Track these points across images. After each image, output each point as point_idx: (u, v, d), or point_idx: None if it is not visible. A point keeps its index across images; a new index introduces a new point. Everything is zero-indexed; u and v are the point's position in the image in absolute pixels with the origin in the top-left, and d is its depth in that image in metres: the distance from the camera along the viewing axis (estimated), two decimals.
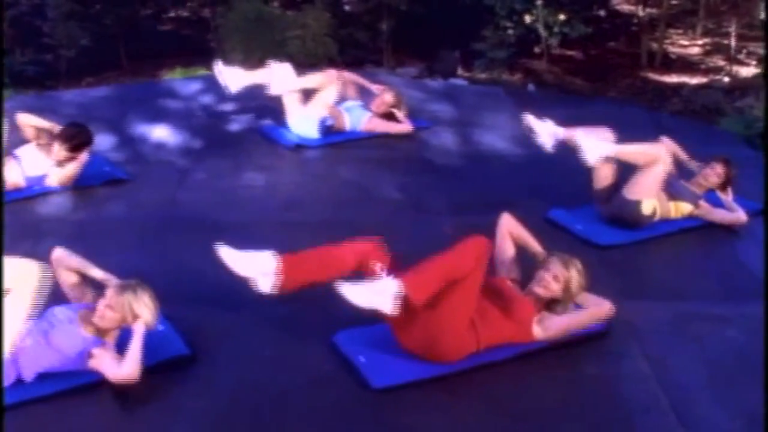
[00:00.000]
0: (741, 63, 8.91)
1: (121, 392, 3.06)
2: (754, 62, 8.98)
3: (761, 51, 9.02)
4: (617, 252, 4.22)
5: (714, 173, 4.60)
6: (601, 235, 4.35)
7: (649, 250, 4.24)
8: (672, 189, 4.49)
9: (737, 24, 8.12)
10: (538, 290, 3.43)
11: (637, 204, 4.33)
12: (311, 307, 3.58)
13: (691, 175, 4.71)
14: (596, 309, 3.42)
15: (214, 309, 3.64)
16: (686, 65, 9.39)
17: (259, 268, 3.19)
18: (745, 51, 9.03)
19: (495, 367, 3.25)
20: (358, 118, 5.99)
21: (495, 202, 4.64)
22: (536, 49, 8.67)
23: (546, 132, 4.31)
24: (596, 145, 4.25)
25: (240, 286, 3.69)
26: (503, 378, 3.21)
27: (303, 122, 5.88)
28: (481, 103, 6.88)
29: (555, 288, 3.41)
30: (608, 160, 4.38)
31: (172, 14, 11.72)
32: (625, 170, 4.44)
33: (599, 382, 3.20)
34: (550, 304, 3.44)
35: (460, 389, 3.16)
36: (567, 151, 4.36)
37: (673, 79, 8.86)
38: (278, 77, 5.79)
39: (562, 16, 8.30)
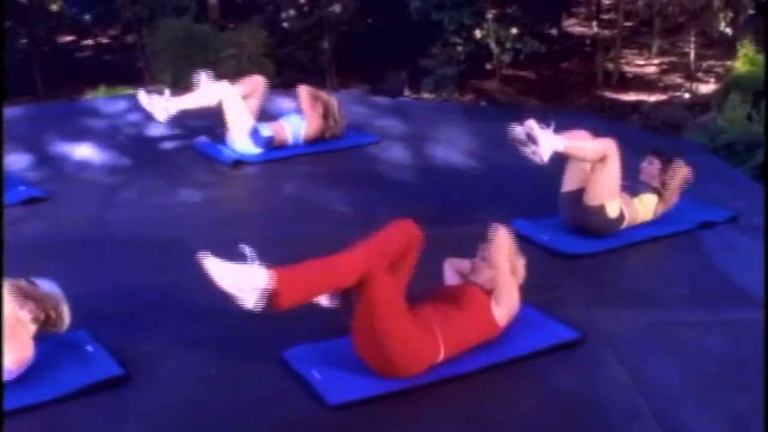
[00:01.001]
0: (700, 80, 9.18)
1: (50, 416, 2.93)
2: (712, 79, 9.26)
3: (719, 69, 9.32)
4: (587, 261, 4.24)
5: (648, 164, 4.69)
6: (568, 244, 4.37)
7: (620, 258, 4.28)
8: (629, 188, 4.55)
9: (695, 39, 8.39)
10: (474, 276, 3.51)
11: (601, 209, 4.37)
12: (259, 324, 3.45)
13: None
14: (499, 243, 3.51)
15: (151, 328, 3.56)
16: (643, 84, 9.65)
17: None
18: (704, 66, 9.30)
19: (462, 380, 3.21)
20: (297, 128, 6.00)
21: (451, 215, 4.70)
22: (488, 66, 8.80)
23: (547, 142, 4.16)
24: (549, 140, 4.17)
25: (180, 303, 3.66)
26: (471, 390, 3.17)
27: (240, 137, 5.84)
28: (432, 118, 6.94)
29: (484, 270, 3.50)
30: (576, 162, 4.41)
31: (90, 41, 11.63)
32: None
33: (575, 391, 3.18)
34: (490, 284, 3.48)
35: (425, 403, 3.10)
36: (530, 162, 4.32)
37: (631, 97, 9.08)
38: (210, 89, 5.74)
39: (514, 30, 8.47)
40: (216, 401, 3.10)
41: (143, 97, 5.77)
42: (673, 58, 10.49)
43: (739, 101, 6.64)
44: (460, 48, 8.74)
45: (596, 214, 4.38)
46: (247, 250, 2.98)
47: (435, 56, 8.74)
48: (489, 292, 3.45)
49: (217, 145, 5.95)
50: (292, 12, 9.26)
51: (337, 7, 9.12)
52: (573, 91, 9.37)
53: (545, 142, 4.17)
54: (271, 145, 5.87)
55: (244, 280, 2.93)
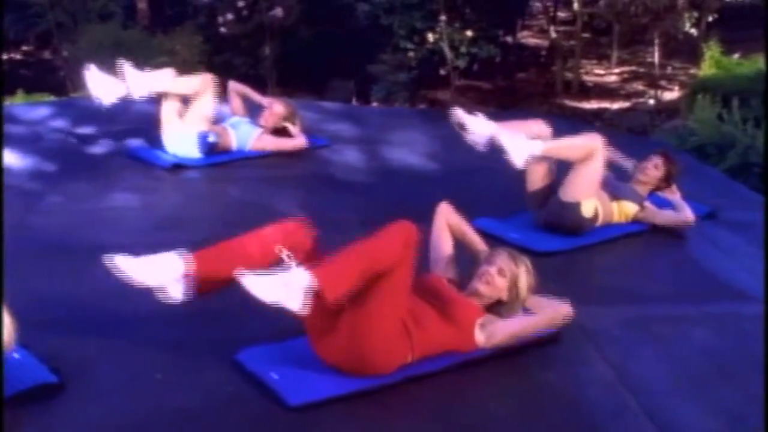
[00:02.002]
0: (663, 88, 9.38)
1: None
2: (677, 87, 9.48)
3: (683, 77, 9.55)
4: (559, 258, 4.25)
5: (653, 167, 4.72)
6: (539, 242, 4.37)
7: (594, 256, 4.30)
8: (613, 188, 4.58)
9: (659, 42, 8.57)
10: (480, 287, 3.36)
11: (576, 206, 4.39)
12: (206, 326, 3.51)
13: (628, 178, 4.82)
14: (552, 311, 3.37)
15: (82, 335, 3.45)
16: (605, 92, 9.83)
17: (165, 274, 2.97)
18: (669, 72, 9.51)
19: (432, 378, 3.17)
20: (245, 136, 5.93)
21: (410, 214, 4.64)
22: (441, 72, 8.86)
23: (478, 127, 4.28)
24: (522, 145, 4.26)
25: (116, 307, 3.58)
26: (443, 389, 3.14)
27: (180, 140, 5.77)
28: (386, 122, 6.98)
29: (500, 284, 3.36)
30: (539, 159, 4.43)
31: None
32: (561, 169, 4.51)
33: (556, 389, 3.16)
34: (495, 307, 3.39)
35: (393, 403, 3.05)
36: (493, 157, 4.36)
37: (592, 105, 9.25)
38: (142, 79, 5.65)
39: (469, 33, 8.55)
40: (164, 406, 3.01)
41: (94, 74, 5.59)
42: (634, 67, 10.72)
43: (709, 103, 6.78)
44: (411, 53, 8.80)
45: (571, 211, 4.40)
46: (284, 253, 3.00)
47: (385, 62, 8.78)
48: (481, 309, 3.35)
49: (153, 149, 5.85)
50: (229, 16, 9.24)
51: (278, 11, 9.13)
52: (531, 99, 9.51)
53: (515, 148, 4.20)
54: (214, 149, 5.80)
55: (285, 288, 2.89)
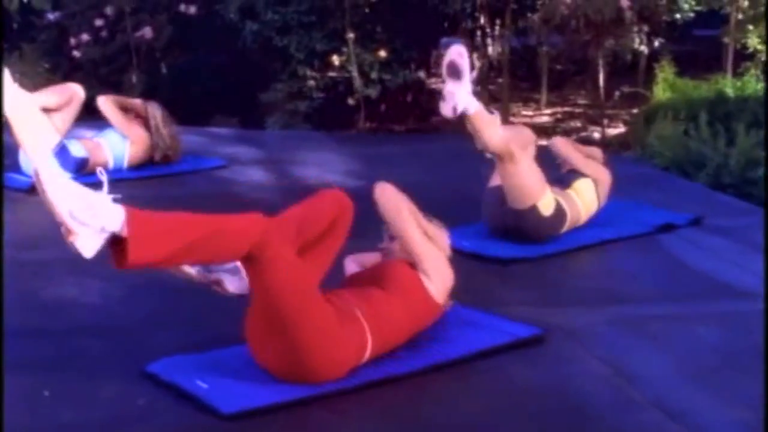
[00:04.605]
0: (611, 117, 9.75)
1: None
2: (620, 123, 9.86)
3: (626, 117, 9.95)
4: (524, 266, 4.38)
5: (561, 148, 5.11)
6: (498, 248, 4.50)
7: (567, 261, 4.45)
8: (560, 181, 4.84)
9: (604, 62, 8.90)
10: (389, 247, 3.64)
11: (532, 210, 4.53)
12: (98, 340, 3.58)
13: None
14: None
15: None
16: (539, 130, 10.13)
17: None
18: (616, 95, 9.87)
19: (396, 382, 3.22)
20: (120, 149, 6.00)
21: None
22: (350, 101, 8.99)
23: (467, 88, 4.29)
24: (467, 96, 4.31)
25: None
26: (408, 391, 3.20)
27: (41, 157, 5.67)
28: (292, 144, 7.20)
29: (394, 248, 3.59)
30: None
31: None
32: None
33: (542, 386, 3.27)
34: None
35: (351, 407, 3.09)
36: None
37: None
38: None
39: (382, 53, 8.73)
40: (55, 423, 3.00)
41: None
42: (568, 108, 11.14)
43: (670, 121, 7.08)
44: (312, 82, 8.91)
45: (530, 217, 4.54)
46: (103, 176, 2.84)
47: (279, 91, 8.86)
48: (411, 263, 3.49)
49: (6, 173, 5.77)
50: (85, 37, 9.20)
51: (147, 31, 9.14)
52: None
53: (463, 94, 4.29)
54: (84, 168, 5.76)
55: (92, 213, 2.71)
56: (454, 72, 4.28)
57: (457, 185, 5.66)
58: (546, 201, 4.57)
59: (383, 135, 8.59)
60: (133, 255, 2.76)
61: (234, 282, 3.28)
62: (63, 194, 2.71)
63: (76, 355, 3.46)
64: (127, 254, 2.76)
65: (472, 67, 4.37)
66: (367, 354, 3.22)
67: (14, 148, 5.86)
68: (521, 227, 4.57)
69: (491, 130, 4.42)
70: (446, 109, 4.34)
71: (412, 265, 3.50)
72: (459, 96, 4.27)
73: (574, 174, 4.91)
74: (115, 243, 2.80)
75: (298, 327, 3.06)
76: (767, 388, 3.17)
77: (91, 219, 2.72)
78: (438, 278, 3.48)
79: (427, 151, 6.94)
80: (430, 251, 3.52)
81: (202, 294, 3.47)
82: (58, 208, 2.70)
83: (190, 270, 3.22)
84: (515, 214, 4.56)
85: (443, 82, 4.38)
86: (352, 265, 3.76)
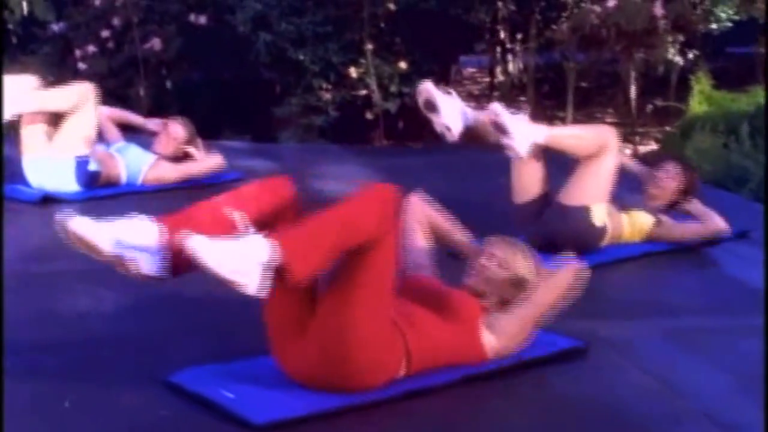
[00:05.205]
0: (643, 134, 9.76)
1: None
2: (651, 141, 9.86)
3: (656, 133, 9.97)
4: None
5: (668, 176, 4.94)
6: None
7: (606, 273, 4.40)
8: (621, 198, 4.76)
9: (635, 76, 8.91)
10: (476, 282, 3.46)
11: (583, 211, 4.52)
12: (125, 349, 3.63)
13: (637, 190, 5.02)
14: (563, 274, 3.49)
15: None
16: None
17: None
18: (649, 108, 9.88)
19: (432, 392, 3.23)
20: (137, 165, 5.98)
21: None
22: (368, 115, 9.02)
23: (452, 109, 4.39)
24: (525, 129, 4.40)
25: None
26: (447, 402, 3.21)
27: (50, 169, 5.77)
28: (310, 158, 7.27)
29: (498, 276, 3.45)
30: (534, 158, 4.56)
31: None
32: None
33: (588, 399, 3.28)
34: (502, 306, 3.46)
35: (386, 418, 3.11)
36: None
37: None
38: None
39: (402, 65, 8.76)
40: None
41: None
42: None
43: (709, 134, 7.10)
44: (328, 96, 8.94)
45: (577, 218, 4.53)
46: (236, 215, 2.98)
47: (293, 105, 8.88)
48: (483, 307, 3.42)
49: (10, 185, 5.80)
50: (91, 48, 9.25)
51: (155, 43, 9.20)
52: None
53: (519, 132, 4.37)
54: (96, 181, 5.81)
55: (242, 258, 2.85)
56: (431, 107, 4.45)
57: (486, 197, 5.67)
58: (599, 210, 4.58)
59: (402, 148, 8.68)
60: (298, 275, 2.90)
61: (150, 263, 3.13)
62: (216, 257, 2.83)
63: (96, 365, 3.50)
64: (292, 276, 2.89)
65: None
66: (400, 374, 3.22)
67: (17, 160, 5.91)
68: (563, 228, 4.51)
69: (578, 143, 4.52)
70: (450, 136, 4.48)
71: (484, 308, 3.42)
72: (522, 141, 4.40)
73: (642, 201, 4.89)
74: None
75: (354, 328, 3.06)
76: (767, 391, 3.22)
77: (250, 265, 2.84)
78: (505, 340, 3.38)
79: (449, 164, 7.01)
80: (526, 316, 3.42)
81: (218, 305, 3.54)
82: (221, 274, 2.82)
83: (104, 247, 3.07)
84: (561, 211, 4.55)
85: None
86: (415, 212, 3.76)
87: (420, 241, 3.74)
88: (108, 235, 3.01)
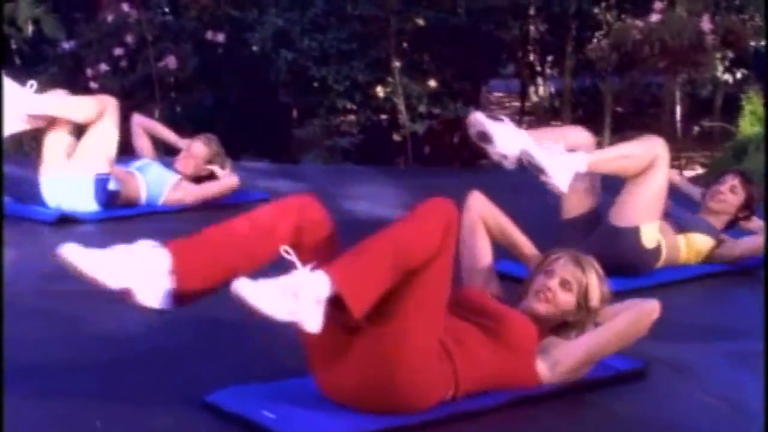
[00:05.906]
0: (688, 158, 9.77)
1: None
2: (696, 165, 9.86)
3: (700, 158, 9.97)
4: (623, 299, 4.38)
5: (730, 191, 4.95)
6: None
7: (667, 294, 4.31)
8: (677, 218, 4.75)
9: (681, 97, 8.94)
10: (538, 306, 3.41)
11: (633, 232, 4.54)
12: (156, 367, 3.67)
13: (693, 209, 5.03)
14: (634, 311, 3.43)
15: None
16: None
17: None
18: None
19: (481, 416, 3.25)
20: (158, 184, 6.01)
21: None
22: (395, 137, 9.08)
23: (506, 137, 4.38)
24: (565, 161, 4.40)
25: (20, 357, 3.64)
26: (501, 424, 3.23)
27: (68, 187, 5.81)
28: (334, 177, 7.40)
29: (564, 301, 3.40)
30: (584, 178, 4.57)
31: None
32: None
33: (648, 421, 3.30)
34: (559, 329, 3.46)
35: None
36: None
37: None
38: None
39: (432, 83, 8.81)
40: None
41: None
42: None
43: (762, 156, 7.10)
44: (352, 117, 9.00)
45: (627, 239, 4.55)
46: (291, 255, 2.98)
47: (316, 126, 8.94)
48: (541, 330, 3.41)
49: (26, 205, 5.89)
50: (103, 67, 9.35)
51: (171, 61, 9.28)
52: None
53: (555, 165, 4.38)
54: (114, 201, 5.86)
55: (296, 298, 2.87)
56: (484, 138, 4.43)
57: (528, 217, 5.67)
58: (651, 231, 4.58)
59: (433, 168, 8.75)
60: (358, 308, 2.92)
61: (152, 293, 3.10)
62: (270, 303, 2.85)
63: (127, 384, 3.53)
64: (352, 310, 2.91)
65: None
66: (448, 395, 3.23)
67: (34, 181, 5.97)
68: (613, 250, 4.48)
69: (624, 163, 4.52)
70: (507, 164, 4.49)
71: (542, 331, 3.40)
72: (562, 176, 4.40)
73: (702, 224, 4.91)
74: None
75: (406, 350, 3.06)
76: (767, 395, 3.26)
77: (305, 305, 2.87)
78: (562, 372, 3.35)
79: (483, 183, 6.96)
80: (589, 352, 3.39)
81: (244, 325, 3.54)
82: (277, 316, 2.85)
83: (101, 279, 3.00)
84: (611, 232, 4.56)
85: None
86: (476, 210, 3.89)
87: (480, 240, 3.78)
88: (106, 264, 2.96)
